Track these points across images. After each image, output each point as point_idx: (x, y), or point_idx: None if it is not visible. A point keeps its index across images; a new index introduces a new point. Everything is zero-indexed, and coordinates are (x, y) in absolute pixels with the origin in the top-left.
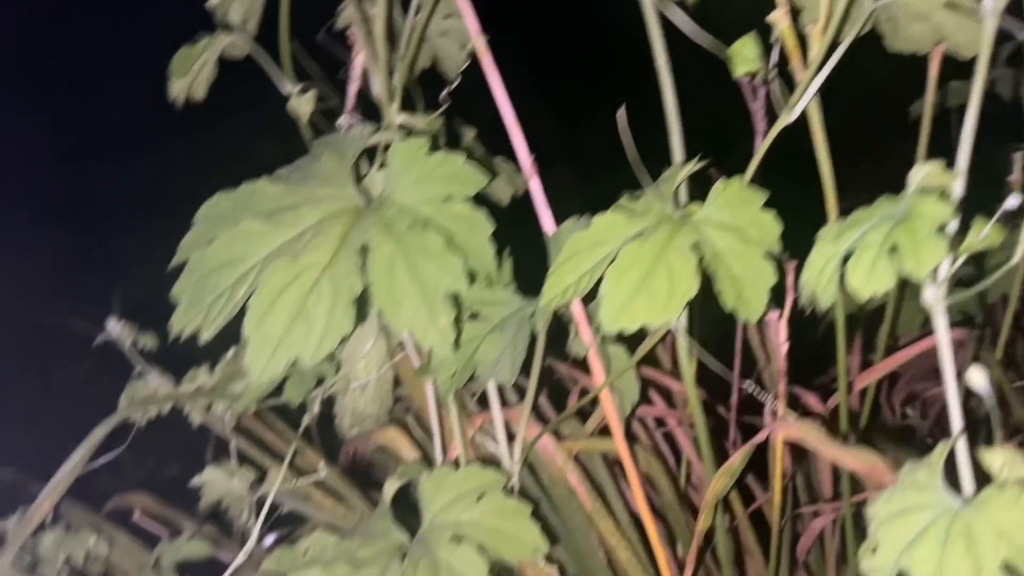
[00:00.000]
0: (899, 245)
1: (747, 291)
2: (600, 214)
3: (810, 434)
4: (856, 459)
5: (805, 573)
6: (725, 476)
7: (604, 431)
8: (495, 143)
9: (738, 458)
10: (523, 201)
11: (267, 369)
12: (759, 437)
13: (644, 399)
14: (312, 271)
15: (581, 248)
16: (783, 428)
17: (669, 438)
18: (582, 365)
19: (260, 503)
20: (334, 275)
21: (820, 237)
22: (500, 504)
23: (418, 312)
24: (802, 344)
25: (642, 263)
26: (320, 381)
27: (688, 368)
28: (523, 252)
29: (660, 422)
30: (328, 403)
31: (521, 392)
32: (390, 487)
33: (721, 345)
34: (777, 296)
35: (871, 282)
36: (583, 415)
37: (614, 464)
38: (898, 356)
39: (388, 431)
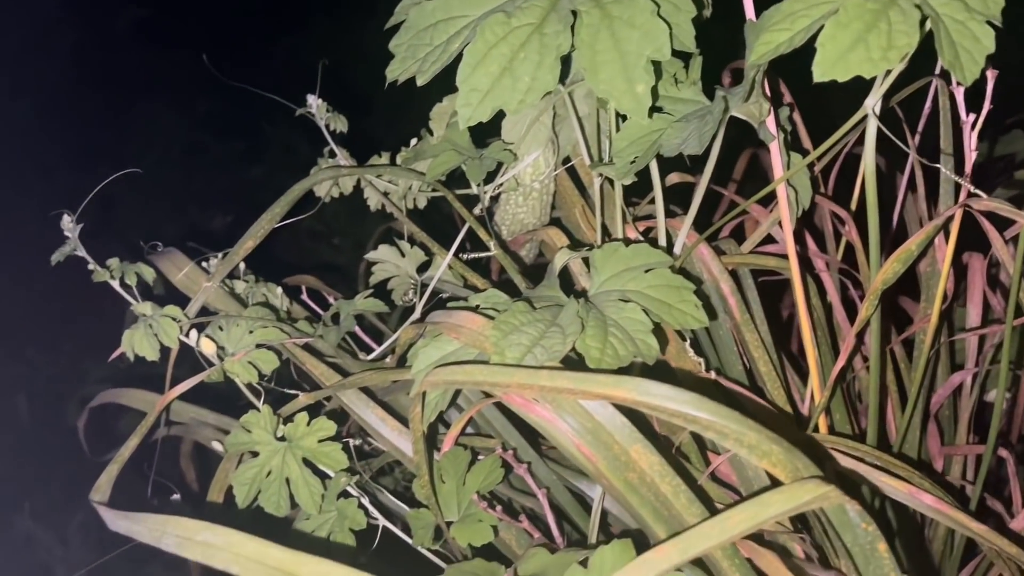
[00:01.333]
0: None
1: (963, 56)
2: None
3: (1003, 206)
4: None
5: (935, 425)
6: (897, 261)
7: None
8: None
9: (916, 240)
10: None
11: (474, 116)
12: (946, 214)
13: None
14: (523, 30)
15: (797, 9)
16: (974, 202)
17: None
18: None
19: (425, 284)
20: (543, 35)
21: None
22: (667, 278)
23: (616, 77)
24: None
25: (864, 18)
26: (494, 174)
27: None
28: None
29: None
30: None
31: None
32: (560, 257)
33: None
34: None
35: None
36: (739, 238)
37: (763, 283)
38: None
39: (549, 230)
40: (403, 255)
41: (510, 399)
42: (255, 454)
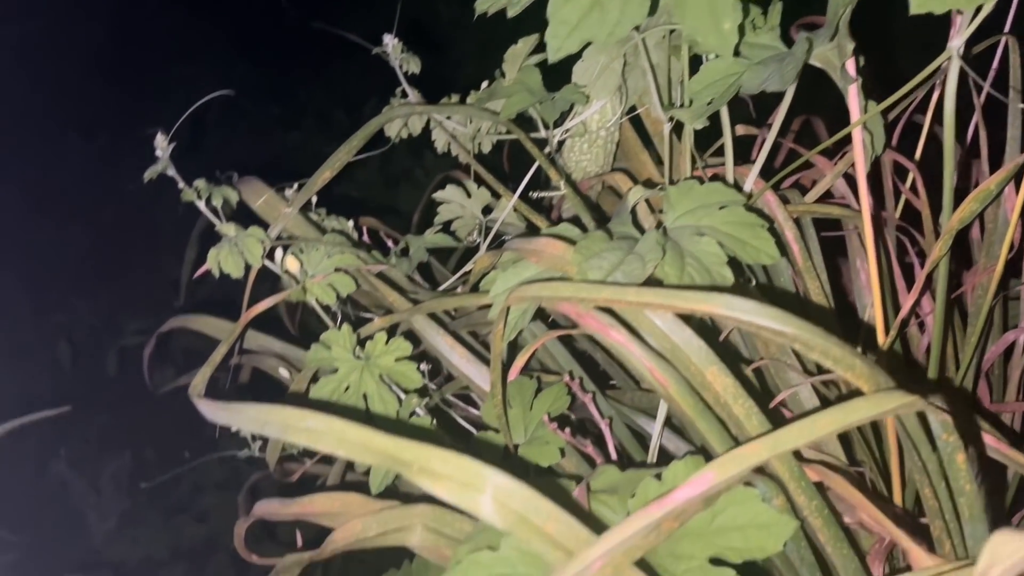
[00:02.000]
0: None
1: None
2: None
3: None
4: None
5: (986, 384)
6: (975, 201)
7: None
8: None
9: (996, 179)
10: None
11: (563, 48)
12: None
13: None
14: None
15: None
16: None
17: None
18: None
19: (489, 226)
20: None
21: None
22: (741, 215)
23: (703, 14)
24: None
25: None
26: (560, 122)
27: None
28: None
29: None
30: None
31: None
32: (634, 194)
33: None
34: None
35: None
36: (802, 189)
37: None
38: None
39: (615, 175)
40: (469, 195)
41: (587, 321)
42: (334, 371)
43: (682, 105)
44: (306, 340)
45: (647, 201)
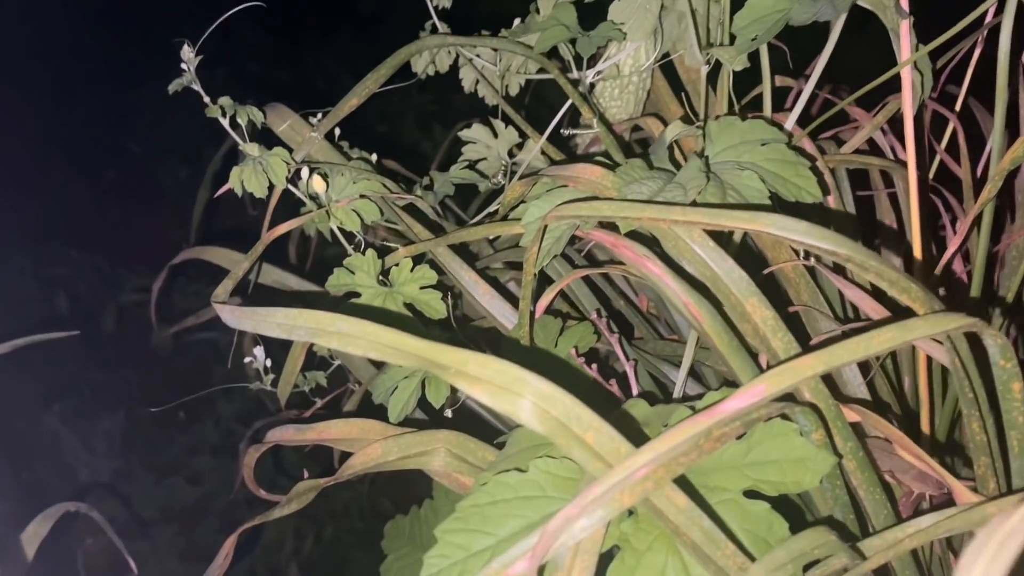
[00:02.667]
0: None
1: None
2: None
3: None
4: None
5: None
6: None
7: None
8: None
9: None
10: None
11: None
12: None
13: None
14: None
15: None
16: None
17: None
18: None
19: (515, 166)
20: None
21: None
22: (784, 152)
23: None
24: None
25: None
26: (597, 59)
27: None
28: None
29: None
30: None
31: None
32: (672, 129)
33: None
34: None
35: None
36: (839, 140)
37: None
38: None
39: (647, 119)
40: (495, 135)
41: (622, 251)
42: (355, 295)
43: (721, 45)
44: (320, 277)
45: (678, 145)
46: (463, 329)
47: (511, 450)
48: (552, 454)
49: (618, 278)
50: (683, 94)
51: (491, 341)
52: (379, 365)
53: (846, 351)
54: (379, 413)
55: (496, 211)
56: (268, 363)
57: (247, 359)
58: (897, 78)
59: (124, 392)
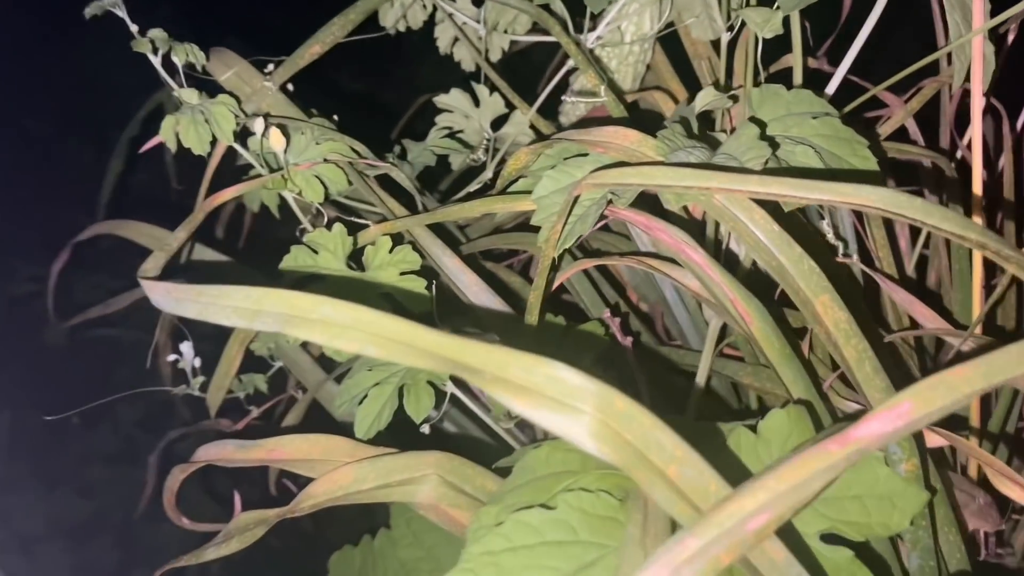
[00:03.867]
0: None
1: None
2: None
3: None
4: None
5: None
6: None
7: None
8: None
9: None
10: None
11: None
12: None
13: None
14: None
15: None
16: None
17: None
18: None
19: (499, 141)
20: None
21: None
22: (836, 128)
23: None
24: None
25: None
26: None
27: None
28: None
29: None
30: None
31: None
32: (704, 97)
33: None
34: None
35: None
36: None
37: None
38: None
39: (655, 92)
40: (477, 104)
41: (659, 235)
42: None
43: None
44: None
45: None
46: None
47: (521, 478)
48: (586, 486)
49: (604, 271)
50: (685, 72)
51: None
52: (328, 369)
53: (1011, 360)
54: (328, 427)
55: (481, 190)
56: (197, 363)
57: (170, 357)
58: (928, 66)
59: (9, 394)
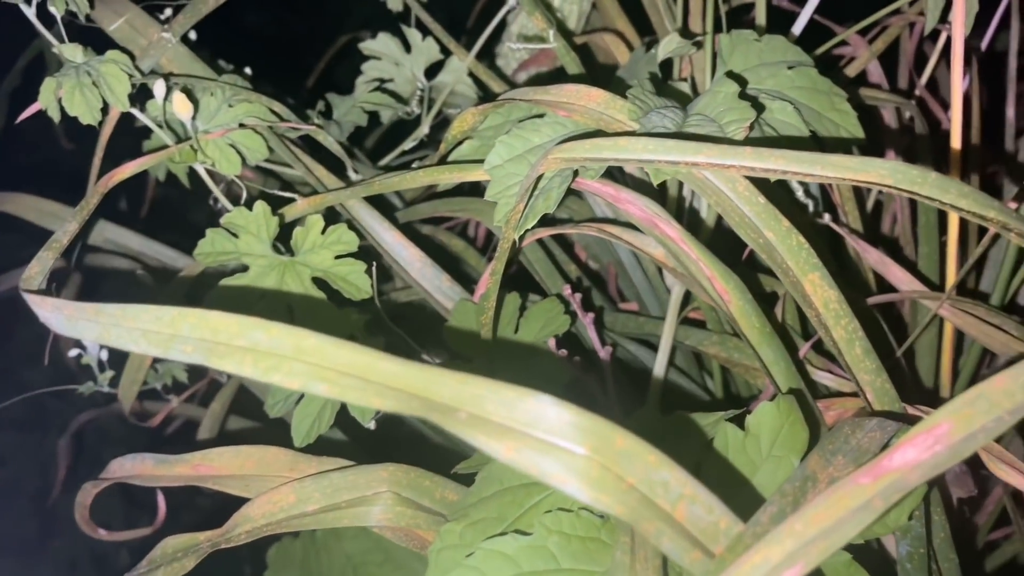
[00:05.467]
0: None
1: None
2: None
3: None
4: None
5: None
6: None
7: None
8: None
9: None
10: None
11: None
12: None
13: None
14: None
15: None
16: None
17: None
18: None
19: (434, 91)
20: None
21: None
22: (813, 79)
23: None
24: None
25: None
26: None
27: None
28: None
29: None
30: None
31: None
32: (667, 45)
33: None
34: None
35: None
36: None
37: None
38: None
39: (605, 35)
40: (408, 50)
41: (629, 208)
42: (243, 269)
43: None
44: (165, 232)
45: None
46: (386, 308)
47: (487, 489)
48: (563, 505)
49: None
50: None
51: (418, 318)
52: None
53: None
54: (260, 415)
55: (417, 147)
56: (104, 355)
57: (72, 352)
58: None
59: None
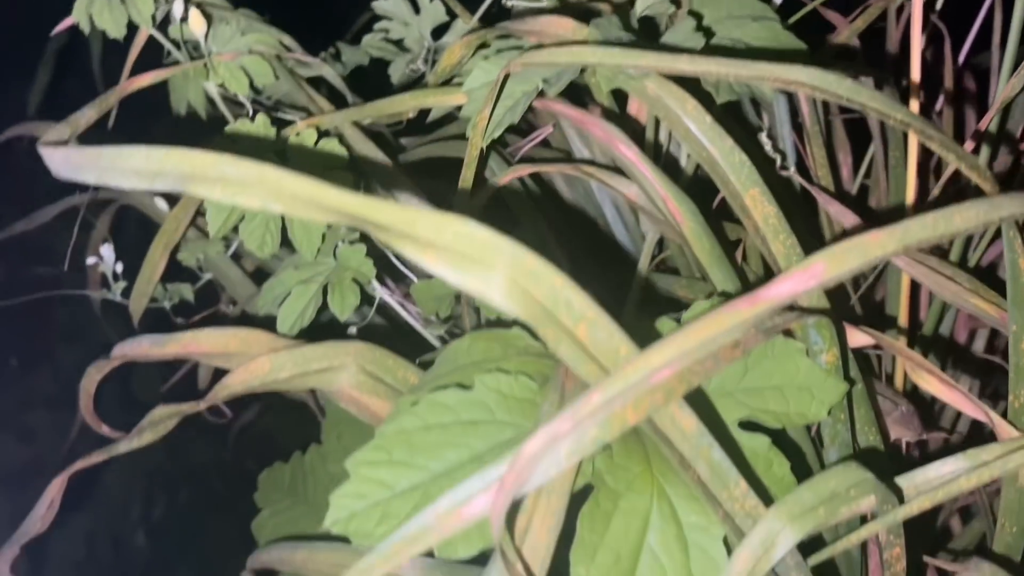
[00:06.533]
0: None
1: None
2: None
3: None
4: None
5: None
6: None
7: None
8: None
9: None
10: None
11: None
12: None
13: None
14: None
15: None
16: None
17: None
18: None
19: (438, 52)
20: None
21: None
22: (778, 33)
23: None
24: None
25: None
26: None
27: None
28: None
29: None
30: None
31: None
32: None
33: None
34: None
35: None
36: None
37: None
38: None
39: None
40: (417, 11)
41: (591, 128)
42: None
43: None
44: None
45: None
46: None
47: (443, 368)
48: (505, 368)
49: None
50: None
51: None
52: (259, 282)
53: (923, 227)
54: None
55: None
56: (119, 268)
57: (90, 260)
58: None
59: None
